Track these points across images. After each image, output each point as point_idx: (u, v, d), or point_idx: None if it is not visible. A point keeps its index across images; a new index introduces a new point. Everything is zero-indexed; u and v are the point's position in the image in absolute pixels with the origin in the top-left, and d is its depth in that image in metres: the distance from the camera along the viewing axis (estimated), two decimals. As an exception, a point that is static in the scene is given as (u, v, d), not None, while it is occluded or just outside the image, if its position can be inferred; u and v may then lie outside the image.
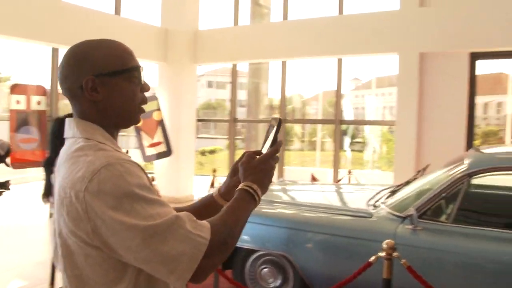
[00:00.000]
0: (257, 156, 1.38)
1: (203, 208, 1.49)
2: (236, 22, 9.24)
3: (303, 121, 22.80)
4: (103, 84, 1.23)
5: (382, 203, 3.87)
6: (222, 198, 1.49)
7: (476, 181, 3.47)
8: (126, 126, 1.31)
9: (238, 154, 8.94)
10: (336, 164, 8.28)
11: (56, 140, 1.77)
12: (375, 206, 3.85)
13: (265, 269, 3.92)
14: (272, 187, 4.92)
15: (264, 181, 1.32)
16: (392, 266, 2.82)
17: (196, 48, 8.94)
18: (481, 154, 3.65)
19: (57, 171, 1.25)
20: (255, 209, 1.30)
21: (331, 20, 8.03)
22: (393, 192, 4.13)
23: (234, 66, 9.36)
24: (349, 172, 6.28)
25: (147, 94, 1.34)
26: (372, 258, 2.95)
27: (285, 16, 8.72)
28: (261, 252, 3.90)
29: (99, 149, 1.18)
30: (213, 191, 1.54)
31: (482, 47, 6.76)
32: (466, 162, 3.43)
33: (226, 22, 9.52)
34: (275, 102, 12.19)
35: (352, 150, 17.39)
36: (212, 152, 21.43)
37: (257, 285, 3.97)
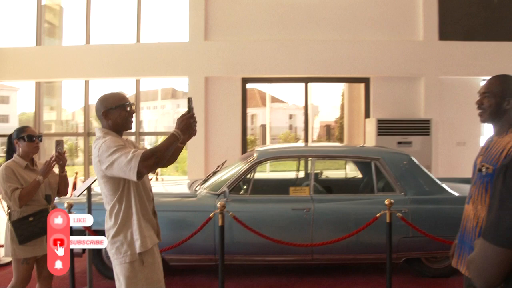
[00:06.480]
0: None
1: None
2: (38, 42, 9.77)
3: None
4: (110, 113, 2.63)
5: (200, 188, 5.52)
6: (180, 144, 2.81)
7: (259, 167, 5.43)
8: (124, 130, 2.70)
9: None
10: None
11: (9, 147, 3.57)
12: (195, 190, 5.49)
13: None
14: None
15: (181, 127, 2.51)
16: (224, 218, 4.48)
17: (-2, 65, 9.24)
18: (263, 150, 5.62)
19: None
20: None
21: (129, 47, 9.40)
22: (205, 180, 5.82)
23: (38, 84, 9.81)
24: (156, 174, 7.81)
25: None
26: (212, 214, 4.56)
27: (87, 40, 9.68)
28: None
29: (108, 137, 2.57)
30: None
31: (250, 74, 9.08)
32: (255, 155, 5.36)
33: (29, 41, 9.90)
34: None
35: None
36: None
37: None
